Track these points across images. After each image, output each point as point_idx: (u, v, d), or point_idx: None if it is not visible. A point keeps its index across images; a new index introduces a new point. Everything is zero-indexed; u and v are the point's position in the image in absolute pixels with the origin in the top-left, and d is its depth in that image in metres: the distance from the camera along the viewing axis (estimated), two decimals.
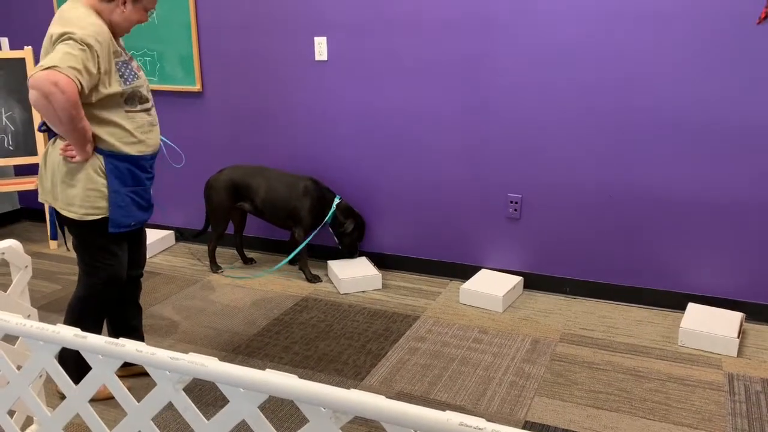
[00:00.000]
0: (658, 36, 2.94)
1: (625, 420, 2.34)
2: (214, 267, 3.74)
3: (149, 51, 3.97)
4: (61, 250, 4.12)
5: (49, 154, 2.22)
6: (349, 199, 3.76)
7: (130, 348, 1.25)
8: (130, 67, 2.22)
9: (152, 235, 4.07)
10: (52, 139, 2.22)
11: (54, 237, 2.40)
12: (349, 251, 3.65)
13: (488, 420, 2.34)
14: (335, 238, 3.66)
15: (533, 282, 3.45)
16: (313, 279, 3.58)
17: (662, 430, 2.28)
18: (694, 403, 2.44)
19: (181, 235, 3.89)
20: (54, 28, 2.07)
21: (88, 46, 2.02)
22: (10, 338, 2.64)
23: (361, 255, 3.76)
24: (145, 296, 3.39)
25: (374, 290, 3.47)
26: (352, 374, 2.66)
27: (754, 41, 2.81)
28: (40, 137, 4.10)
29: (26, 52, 4.04)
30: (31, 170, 4.46)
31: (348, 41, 3.51)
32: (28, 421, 2.23)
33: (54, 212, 2.28)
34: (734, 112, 2.90)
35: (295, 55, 3.65)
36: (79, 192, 2.16)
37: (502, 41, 3.21)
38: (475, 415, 2.34)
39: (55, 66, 1.95)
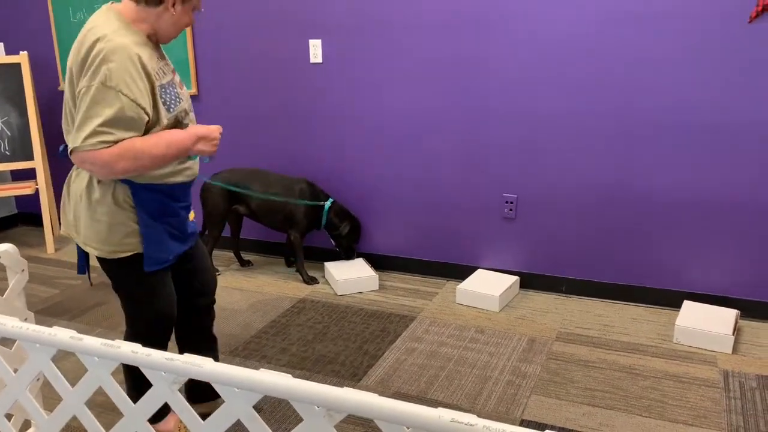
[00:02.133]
0: (653, 36, 2.96)
1: (620, 417, 2.36)
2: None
3: None
4: (59, 254, 4.12)
5: (73, 182, 1.95)
6: (344, 201, 3.77)
7: (125, 350, 1.26)
8: (172, 86, 1.92)
9: None
10: (75, 166, 1.96)
11: (82, 272, 2.12)
12: (346, 253, 3.66)
13: (485, 419, 2.35)
14: (332, 241, 3.67)
15: (529, 281, 3.46)
16: (310, 280, 3.59)
17: (658, 428, 2.29)
18: (690, 400, 2.45)
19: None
20: (82, 49, 1.77)
21: (119, 87, 1.74)
22: (7, 342, 2.65)
23: (358, 256, 3.78)
24: None
25: (371, 291, 3.48)
26: (349, 375, 2.67)
27: (746, 39, 2.82)
28: (36, 142, 4.10)
29: (22, 57, 4.05)
30: (28, 175, 4.47)
31: (342, 44, 3.52)
32: (26, 425, 2.24)
33: (80, 247, 2.04)
34: (728, 111, 2.92)
35: (290, 58, 3.66)
36: (104, 227, 1.90)
37: (497, 42, 3.22)
38: (472, 414, 2.35)
39: (76, 149, 1.77)
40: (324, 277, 3.67)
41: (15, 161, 4.13)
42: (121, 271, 1.99)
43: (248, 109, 3.85)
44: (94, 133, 1.73)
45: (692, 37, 2.90)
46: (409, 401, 2.15)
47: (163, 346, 2.16)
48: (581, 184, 3.24)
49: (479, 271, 3.51)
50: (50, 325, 3.08)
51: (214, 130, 1.94)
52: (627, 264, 3.26)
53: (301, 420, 2.35)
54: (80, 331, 3.04)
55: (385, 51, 3.45)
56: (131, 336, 2.11)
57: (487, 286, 3.29)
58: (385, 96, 3.51)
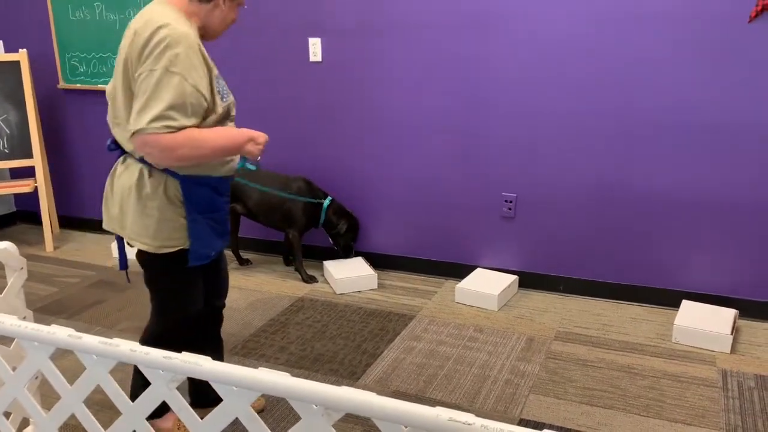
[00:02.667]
0: (653, 36, 2.96)
1: (619, 417, 2.36)
2: None
3: None
4: (57, 252, 4.12)
5: (118, 176, 1.94)
6: (344, 200, 3.77)
7: (124, 348, 1.26)
8: (221, 78, 1.95)
9: None
10: (122, 158, 1.95)
11: (124, 267, 2.10)
12: (344, 252, 3.66)
13: (483, 418, 2.35)
14: (330, 239, 3.67)
15: (528, 280, 3.46)
16: (309, 279, 3.59)
17: (656, 427, 2.30)
18: (688, 400, 2.45)
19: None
20: (141, 36, 1.76)
21: (183, 73, 1.75)
22: (6, 340, 2.65)
23: (357, 255, 3.77)
24: (140, 299, 3.40)
25: (370, 290, 3.48)
26: (347, 374, 2.67)
27: (746, 39, 2.82)
28: (35, 140, 4.10)
29: (21, 55, 4.05)
30: (27, 173, 4.46)
31: (342, 42, 3.52)
32: (25, 423, 2.24)
33: (121, 242, 2.05)
34: (728, 111, 2.92)
35: (289, 56, 3.66)
36: (154, 222, 1.90)
37: (496, 42, 3.22)
38: (470, 414, 2.36)
39: (140, 131, 1.74)
40: (323, 275, 3.67)
41: (14, 159, 4.13)
42: (163, 267, 2.00)
43: (247, 107, 3.85)
44: (160, 117, 1.73)
45: (692, 36, 2.89)
46: (407, 400, 2.15)
47: (185, 344, 2.14)
48: (581, 184, 3.24)
49: (478, 270, 3.51)
50: (49, 324, 3.08)
51: (263, 135, 1.96)
52: (626, 263, 3.26)
53: (299, 419, 2.35)
54: (79, 330, 3.04)
55: (384, 50, 3.45)
56: (157, 332, 2.10)
57: (486, 285, 3.29)
58: (384, 95, 3.51)
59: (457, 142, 3.42)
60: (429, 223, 3.61)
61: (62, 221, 4.59)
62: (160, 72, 1.73)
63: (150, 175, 1.89)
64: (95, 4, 4.00)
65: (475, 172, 3.43)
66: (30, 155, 4.14)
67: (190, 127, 1.79)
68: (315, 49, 3.58)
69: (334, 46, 3.55)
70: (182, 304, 2.08)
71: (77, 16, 4.08)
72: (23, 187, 4.14)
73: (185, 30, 1.78)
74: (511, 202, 3.39)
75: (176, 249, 1.95)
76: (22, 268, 1.96)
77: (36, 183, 4.18)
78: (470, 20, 3.24)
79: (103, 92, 4.18)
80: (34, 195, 4.56)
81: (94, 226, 4.51)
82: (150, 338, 2.10)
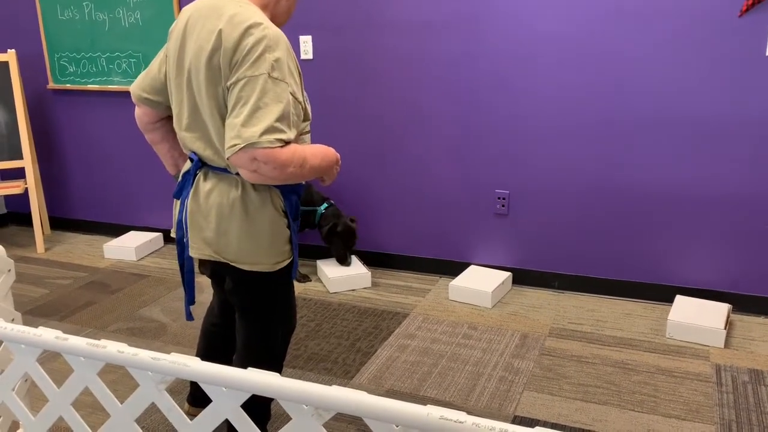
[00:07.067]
0: (642, 31, 2.95)
1: (613, 413, 2.35)
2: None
3: (134, 53, 3.95)
4: (49, 254, 4.09)
5: (207, 194, 1.75)
6: (336, 199, 3.75)
7: (111, 349, 1.25)
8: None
9: (140, 238, 4.05)
10: (202, 173, 1.77)
11: (193, 302, 1.91)
12: (337, 260, 3.56)
13: (477, 416, 2.34)
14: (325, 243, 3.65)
15: (522, 277, 3.46)
16: (303, 279, 3.57)
17: (650, 422, 2.29)
18: (682, 395, 2.45)
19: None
20: (232, 35, 1.59)
21: (285, 80, 1.60)
22: None
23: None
24: (134, 299, 3.37)
25: (364, 288, 3.47)
26: (341, 373, 2.65)
27: (737, 33, 2.82)
28: (25, 141, 4.06)
29: (9, 56, 4.01)
30: (17, 174, 4.43)
31: (333, 40, 3.50)
32: (15, 425, 2.22)
33: (192, 271, 1.87)
34: (718, 105, 2.92)
35: None
36: (266, 238, 1.75)
37: (488, 40, 3.21)
38: (464, 411, 2.35)
39: (252, 145, 1.54)
40: (316, 274, 3.66)
41: (4, 160, 4.09)
42: (275, 284, 1.85)
43: None
44: (271, 129, 1.55)
45: (683, 30, 2.89)
46: (402, 398, 2.13)
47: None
48: (574, 180, 3.24)
49: (472, 267, 3.50)
50: (40, 325, 3.05)
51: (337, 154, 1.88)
52: (619, 259, 3.25)
53: (289, 419, 2.34)
54: (70, 331, 3.02)
55: (376, 48, 3.43)
56: (270, 352, 1.95)
57: (480, 283, 3.28)
58: (375, 93, 3.50)
59: (450, 140, 3.41)
60: (422, 221, 3.60)
61: (53, 222, 4.56)
62: (264, 79, 1.56)
63: (255, 188, 1.72)
64: (84, 3, 3.97)
65: (468, 169, 3.42)
66: (20, 156, 4.11)
67: (293, 140, 1.61)
68: (306, 46, 3.56)
69: (325, 43, 3.53)
70: (292, 318, 1.97)
71: (66, 16, 4.05)
72: (13, 188, 4.11)
73: (278, 31, 1.63)
74: (504, 198, 3.39)
75: (288, 262, 1.82)
76: (9, 270, 1.94)
77: (26, 184, 4.15)
78: (461, 19, 3.23)
79: (93, 92, 4.15)
80: (24, 196, 4.53)
81: (85, 227, 4.48)
82: (264, 361, 1.94)
